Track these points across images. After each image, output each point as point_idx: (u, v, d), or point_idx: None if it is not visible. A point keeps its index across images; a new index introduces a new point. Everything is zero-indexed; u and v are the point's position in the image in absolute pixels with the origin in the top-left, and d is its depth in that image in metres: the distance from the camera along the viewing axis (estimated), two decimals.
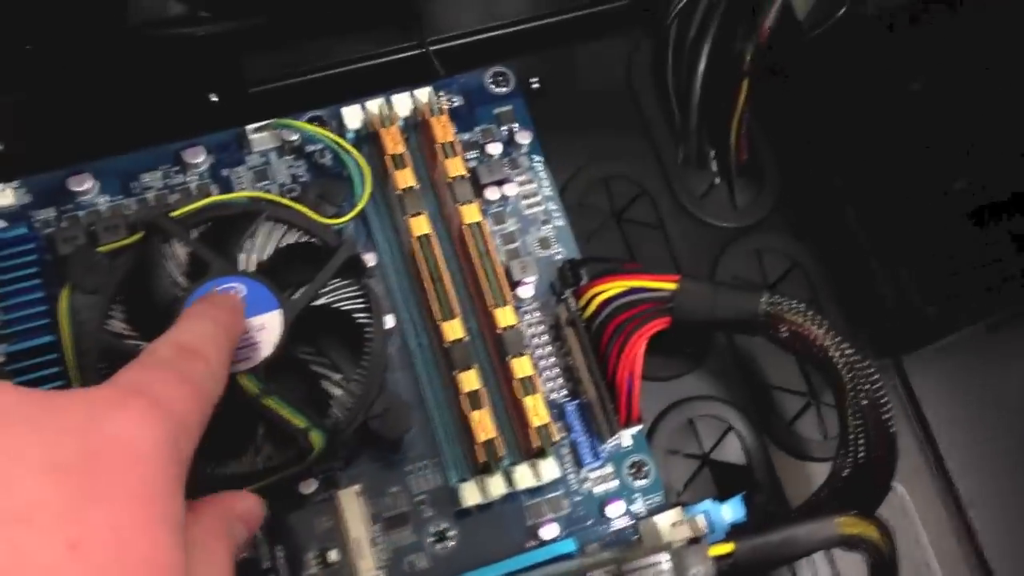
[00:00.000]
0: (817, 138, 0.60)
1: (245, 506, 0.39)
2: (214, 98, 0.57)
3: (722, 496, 0.50)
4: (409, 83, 0.56)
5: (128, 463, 0.31)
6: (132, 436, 0.32)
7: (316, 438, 0.45)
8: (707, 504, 0.49)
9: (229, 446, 0.47)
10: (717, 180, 0.62)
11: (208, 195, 0.53)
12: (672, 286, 0.50)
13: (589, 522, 0.51)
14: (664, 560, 0.41)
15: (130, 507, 0.31)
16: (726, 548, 0.43)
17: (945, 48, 0.59)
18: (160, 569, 0.31)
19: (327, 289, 0.49)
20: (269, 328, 0.46)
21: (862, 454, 0.47)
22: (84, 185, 0.52)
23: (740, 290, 0.49)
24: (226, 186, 0.54)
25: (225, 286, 0.46)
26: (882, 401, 0.47)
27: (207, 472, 0.46)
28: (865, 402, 0.47)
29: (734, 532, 0.48)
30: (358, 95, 0.55)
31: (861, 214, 0.59)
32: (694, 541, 0.42)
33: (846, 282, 0.60)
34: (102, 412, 0.32)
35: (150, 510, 0.31)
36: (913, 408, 0.58)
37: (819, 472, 0.55)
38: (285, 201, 0.50)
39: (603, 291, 0.50)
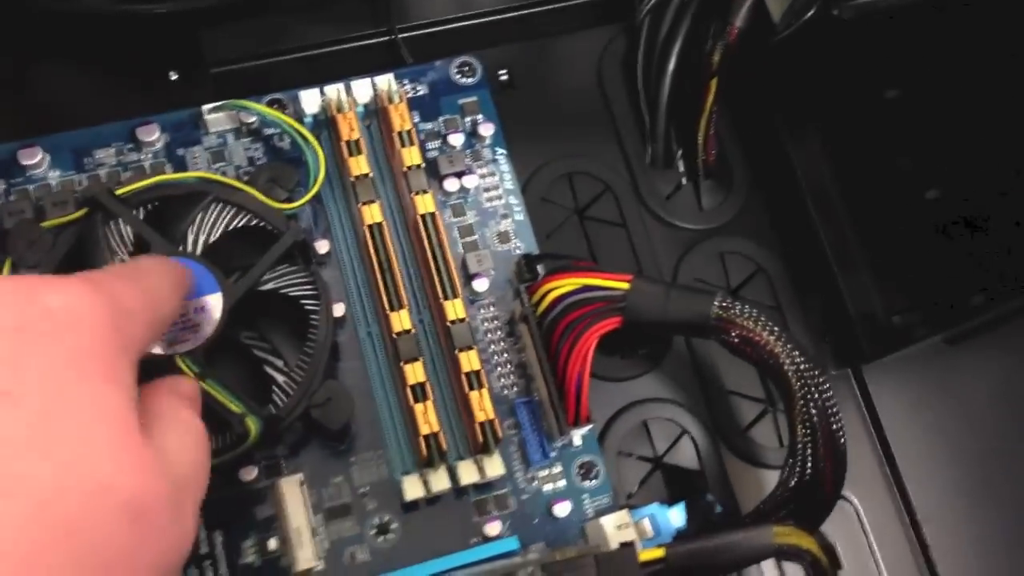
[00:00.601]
0: (787, 142, 0.60)
1: (189, 388, 0.39)
2: (174, 76, 0.56)
3: (673, 500, 0.50)
4: (378, 70, 0.55)
5: (65, 327, 0.30)
6: (70, 306, 0.31)
7: (251, 424, 0.44)
8: (654, 507, 0.49)
9: None
10: (684, 181, 0.61)
11: (161, 174, 0.52)
12: (625, 285, 0.49)
13: (535, 521, 0.50)
14: (590, 564, 0.40)
15: (68, 362, 0.30)
16: (657, 553, 0.42)
17: (923, 57, 0.59)
18: (106, 414, 0.30)
19: (274, 274, 0.48)
20: (209, 311, 0.45)
21: (810, 465, 0.47)
22: (34, 159, 0.51)
23: (692, 292, 0.48)
24: (181, 165, 0.53)
25: None
26: (832, 412, 0.46)
27: None
28: (814, 412, 0.46)
29: (680, 537, 0.47)
30: (325, 80, 0.55)
31: (828, 220, 0.58)
32: (625, 545, 0.42)
33: (810, 289, 0.59)
34: (41, 287, 0.31)
35: (89, 366, 0.30)
36: (871, 418, 0.58)
37: (774, 479, 0.54)
38: (235, 183, 0.50)
39: (556, 288, 0.49)
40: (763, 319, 0.47)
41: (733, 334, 0.47)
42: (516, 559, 0.44)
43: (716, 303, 0.47)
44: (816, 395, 0.46)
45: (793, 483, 0.47)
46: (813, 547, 0.43)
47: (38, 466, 0.28)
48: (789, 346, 0.46)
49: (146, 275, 0.37)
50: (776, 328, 0.47)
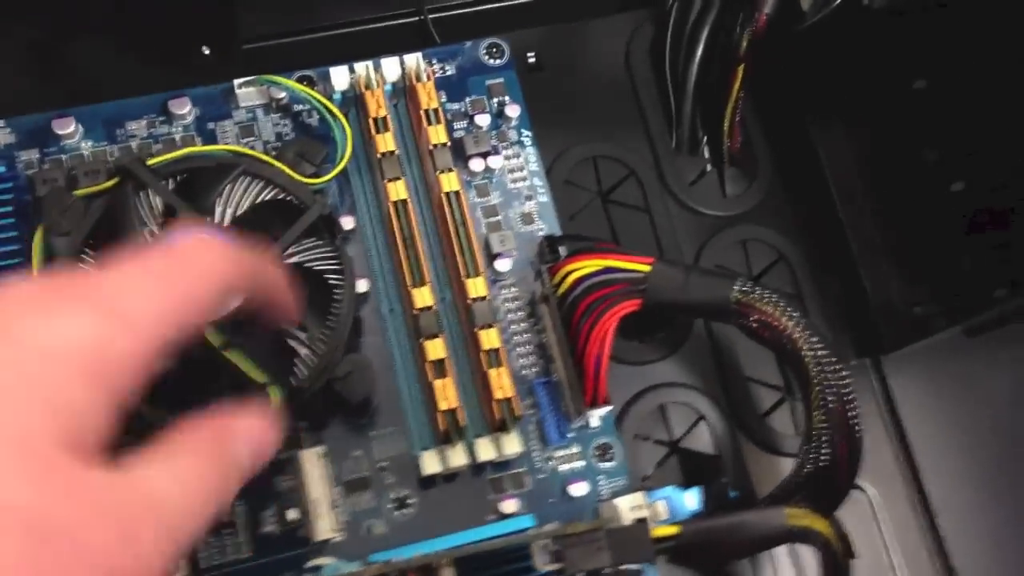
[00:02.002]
0: (812, 131, 0.60)
1: (247, 427, 0.34)
2: (206, 51, 0.57)
3: (689, 485, 0.50)
4: (406, 50, 0.56)
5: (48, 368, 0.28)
6: (64, 345, 0.29)
7: (274, 394, 0.45)
8: (669, 490, 0.49)
9: (191, 396, 0.47)
10: (708, 167, 0.61)
11: (191, 147, 0.53)
12: (646, 268, 0.49)
13: (551, 500, 0.51)
14: (603, 537, 0.40)
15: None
16: (671, 530, 0.42)
17: (951, 48, 0.58)
18: (18, 438, 0.27)
19: (300, 248, 0.49)
20: None
21: (825, 452, 0.47)
22: (68, 129, 0.52)
23: (713, 275, 0.49)
24: (210, 139, 0.54)
25: None
26: (849, 400, 0.46)
27: (167, 422, 0.46)
28: (832, 399, 0.46)
29: (690, 520, 0.48)
30: (355, 58, 0.55)
31: (851, 210, 0.58)
32: (639, 521, 0.42)
33: (831, 278, 0.59)
34: (41, 314, 0.29)
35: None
36: (889, 409, 0.58)
37: (789, 466, 0.54)
38: (264, 157, 0.50)
39: (577, 269, 0.50)
40: (782, 304, 0.47)
41: (752, 318, 0.47)
42: (530, 531, 0.45)
43: (736, 287, 0.48)
44: (833, 382, 0.46)
45: (808, 469, 0.47)
46: (826, 530, 0.43)
47: None
48: (808, 332, 0.47)
49: (180, 270, 0.33)
50: (795, 314, 0.47)
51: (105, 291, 0.31)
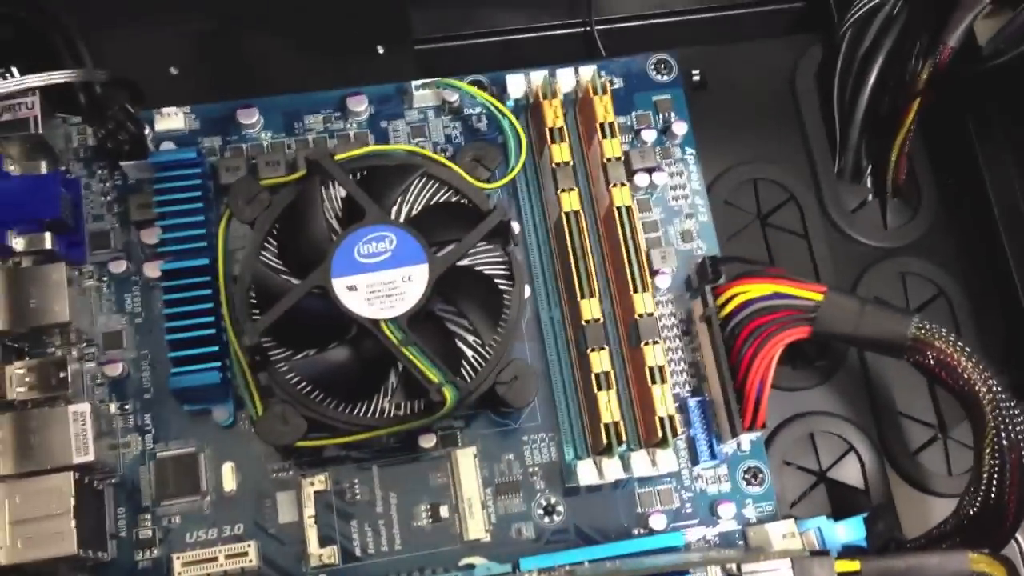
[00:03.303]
0: (982, 168, 0.58)
1: None
2: (381, 50, 0.58)
3: (835, 516, 0.49)
4: (568, 60, 0.56)
5: None
6: None
7: (448, 394, 0.45)
8: (821, 520, 0.48)
9: (362, 389, 0.48)
10: (870, 197, 0.60)
11: (366, 144, 0.54)
12: (818, 296, 0.49)
13: (696, 520, 0.51)
14: (785, 567, 0.40)
15: None
16: (852, 566, 0.42)
17: None
18: None
19: (473, 251, 0.50)
20: (415, 281, 0.47)
21: (994, 494, 0.46)
22: (251, 119, 0.54)
23: (889, 310, 0.48)
24: (383, 138, 0.55)
25: (377, 234, 0.47)
26: None
27: (340, 413, 0.47)
28: (1006, 442, 0.45)
29: (846, 553, 0.47)
30: (516, 65, 0.56)
31: (1020, 251, 0.57)
32: (818, 554, 0.42)
33: (992, 317, 0.58)
34: None
35: None
36: None
37: (939, 507, 0.54)
38: (442, 159, 0.51)
39: (745, 291, 0.50)
40: (960, 344, 0.47)
41: (929, 356, 0.47)
42: (709, 554, 0.45)
43: (915, 323, 0.47)
44: (1009, 425, 0.45)
45: (973, 511, 0.47)
46: None
47: None
48: (986, 374, 0.46)
49: None
50: (973, 354, 0.46)
51: None
